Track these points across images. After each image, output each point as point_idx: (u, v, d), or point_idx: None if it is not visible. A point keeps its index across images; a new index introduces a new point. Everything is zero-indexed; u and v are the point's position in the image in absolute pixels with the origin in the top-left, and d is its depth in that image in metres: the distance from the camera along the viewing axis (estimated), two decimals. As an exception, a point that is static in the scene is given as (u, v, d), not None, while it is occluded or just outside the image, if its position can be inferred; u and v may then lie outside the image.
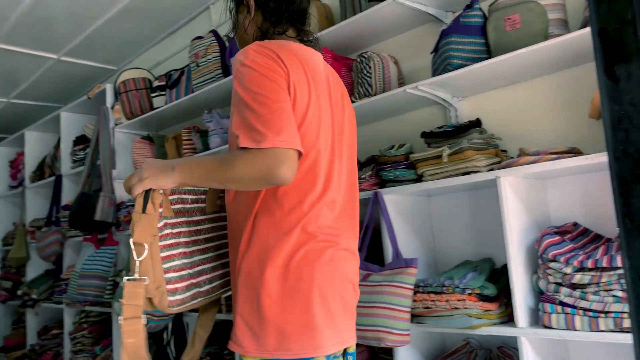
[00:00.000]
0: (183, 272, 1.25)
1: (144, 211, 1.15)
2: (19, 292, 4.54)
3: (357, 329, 1.87)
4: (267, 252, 1.17)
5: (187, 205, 1.32)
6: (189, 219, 1.31)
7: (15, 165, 5.06)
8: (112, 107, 3.72)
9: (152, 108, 3.45)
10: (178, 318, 2.96)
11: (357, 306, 1.91)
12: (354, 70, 2.29)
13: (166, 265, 1.19)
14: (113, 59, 4.03)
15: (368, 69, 2.21)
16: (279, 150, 1.05)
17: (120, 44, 3.78)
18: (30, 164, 4.79)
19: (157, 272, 1.16)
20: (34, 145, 4.83)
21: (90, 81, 4.38)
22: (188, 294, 1.25)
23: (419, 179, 2.04)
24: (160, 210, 1.20)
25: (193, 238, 1.31)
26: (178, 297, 1.21)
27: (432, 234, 2.26)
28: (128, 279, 1.11)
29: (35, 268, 4.66)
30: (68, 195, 4.19)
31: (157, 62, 3.86)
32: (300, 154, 1.13)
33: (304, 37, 1.35)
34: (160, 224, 1.20)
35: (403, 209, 2.12)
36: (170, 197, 1.26)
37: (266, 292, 1.16)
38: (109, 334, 3.78)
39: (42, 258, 4.24)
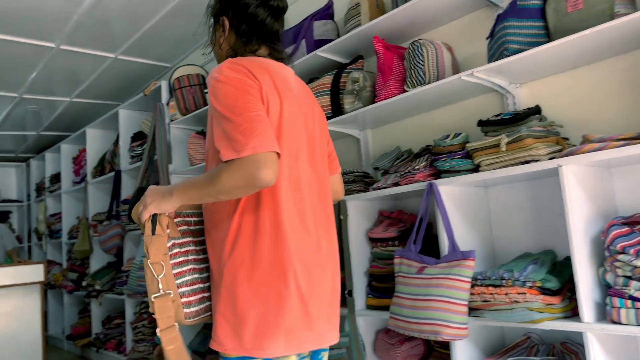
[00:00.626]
0: (195, 286, 1.33)
1: (153, 233, 1.25)
2: (84, 283, 4.74)
3: (413, 322, 1.85)
4: (250, 255, 1.23)
5: (192, 227, 1.39)
6: (195, 239, 1.38)
7: (78, 161, 5.27)
8: (168, 104, 3.81)
9: (205, 104, 3.51)
10: (234, 309, 3.01)
11: (413, 299, 1.89)
12: (406, 59, 2.24)
13: (179, 281, 1.27)
14: (167, 56, 4.12)
15: (421, 56, 2.17)
16: (258, 155, 1.11)
17: (173, 41, 3.86)
18: (91, 160, 4.98)
19: (171, 287, 1.25)
20: (95, 142, 5.02)
21: (146, 78, 4.50)
22: (202, 306, 1.32)
23: (475, 169, 1.98)
24: (168, 231, 1.29)
25: (201, 256, 1.38)
26: (193, 309, 1.30)
27: (489, 225, 2.19)
28: (155, 297, 1.21)
29: (98, 260, 4.86)
30: (127, 189, 4.33)
31: (210, 58, 3.92)
32: (279, 155, 1.17)
33: (275, 54, 1.41)
34: (169, 244, 1.28)
35: (459, 200, 2.07)
36: (175, 220, 1.34)
37: (246, 293, 1.21)
38: (168, 324, 3.90)
39: (103, 251, 4.41)
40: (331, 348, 2.24)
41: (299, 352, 1.23)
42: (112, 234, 4.28)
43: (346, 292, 2.30)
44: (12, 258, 5.00)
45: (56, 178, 5.83)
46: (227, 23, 1.40)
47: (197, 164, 3.60)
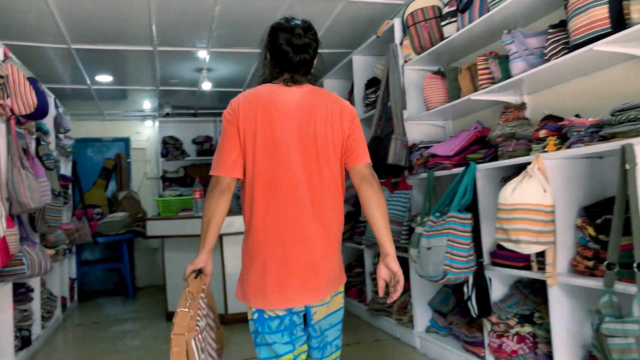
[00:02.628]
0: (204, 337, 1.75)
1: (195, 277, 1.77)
2: (326, 231, 4.88)
3: None
4: (243, 237, 1.79)
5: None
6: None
7: (317, 112, 5.38)
8: (401, 43, 3.51)
9: (442, 38, 3.11)
10: (479, 271, 2.65)
11: None
12: None
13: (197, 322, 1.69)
14: (400, -8, 3.79)
15: None
16: (213, 176, 1.73)
17: (406, -27, 3.50)
18: (329, 111, 5.02)
19: (194, 310, 1.67)
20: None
21: (378, 20, 4.25)
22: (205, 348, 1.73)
23: None
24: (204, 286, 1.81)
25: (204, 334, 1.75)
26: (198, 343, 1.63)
27: None
28: (181, 310, 1.64)
29: (338, 209, 4.94)
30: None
31: (446, -14, 3.47)
32: (231, 176, 1.73)
33: (289, 80, 1.78)
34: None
35: None
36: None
37: (243, 265, 1.79)
38: (407, 279, 3.73)
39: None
40: (613, 336, 1.74)
41: (265, 308, 1.70)
42: (349, 184, 4.24)
43: (635, 265, 1.74)
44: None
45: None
46: (268, 56, 1.81)
47: (433, 108, 3.25)
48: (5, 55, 3.40)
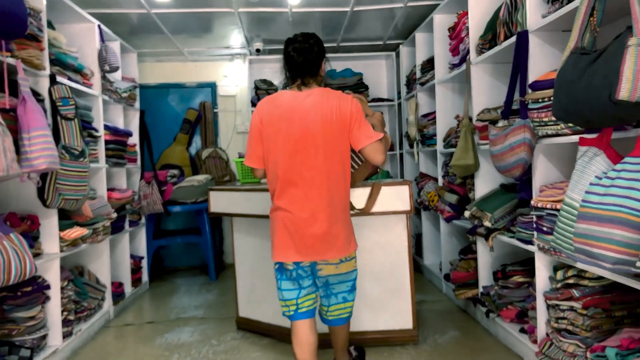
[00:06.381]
0: None
1: None
2: (467, 213, 3.20)
3: None
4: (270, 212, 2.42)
5: None
6: None
7: (456, 33, 3.59)
8: None
9: None
10: None
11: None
12: None
13: None
14: None
15: None
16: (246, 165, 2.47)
17: None
18: (475, 28, 3.24)
19: None
20: (481, -2, 3.24)
21: None
22: None
23: None
24: None
25: None
26: None
27: None
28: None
29: (487, 180, 3.24)
30: (541, 63, 2.44)
31: None
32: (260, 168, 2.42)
33: (301, 84, 2.33)
34: None
35: None
36: None
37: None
38: (629, 321, 2.01)
39: (498, 169, 2.71)
40: None
41: (284, 260, 2.32)
42: (513, 142, 2.50)
43: None
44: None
45: (429, 64, 4.37)
46: (284, 67, 2.37)
47: None
48: None
